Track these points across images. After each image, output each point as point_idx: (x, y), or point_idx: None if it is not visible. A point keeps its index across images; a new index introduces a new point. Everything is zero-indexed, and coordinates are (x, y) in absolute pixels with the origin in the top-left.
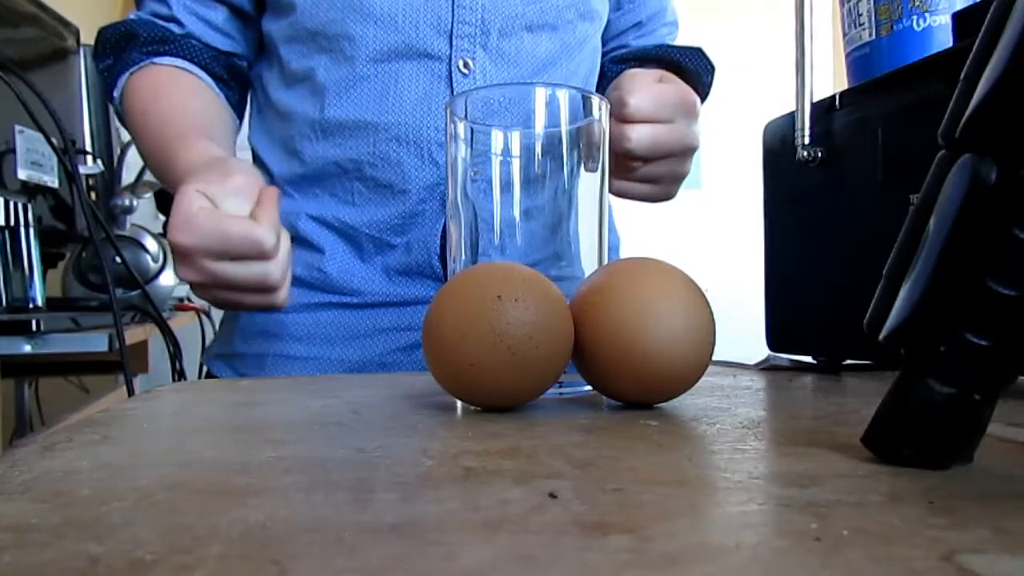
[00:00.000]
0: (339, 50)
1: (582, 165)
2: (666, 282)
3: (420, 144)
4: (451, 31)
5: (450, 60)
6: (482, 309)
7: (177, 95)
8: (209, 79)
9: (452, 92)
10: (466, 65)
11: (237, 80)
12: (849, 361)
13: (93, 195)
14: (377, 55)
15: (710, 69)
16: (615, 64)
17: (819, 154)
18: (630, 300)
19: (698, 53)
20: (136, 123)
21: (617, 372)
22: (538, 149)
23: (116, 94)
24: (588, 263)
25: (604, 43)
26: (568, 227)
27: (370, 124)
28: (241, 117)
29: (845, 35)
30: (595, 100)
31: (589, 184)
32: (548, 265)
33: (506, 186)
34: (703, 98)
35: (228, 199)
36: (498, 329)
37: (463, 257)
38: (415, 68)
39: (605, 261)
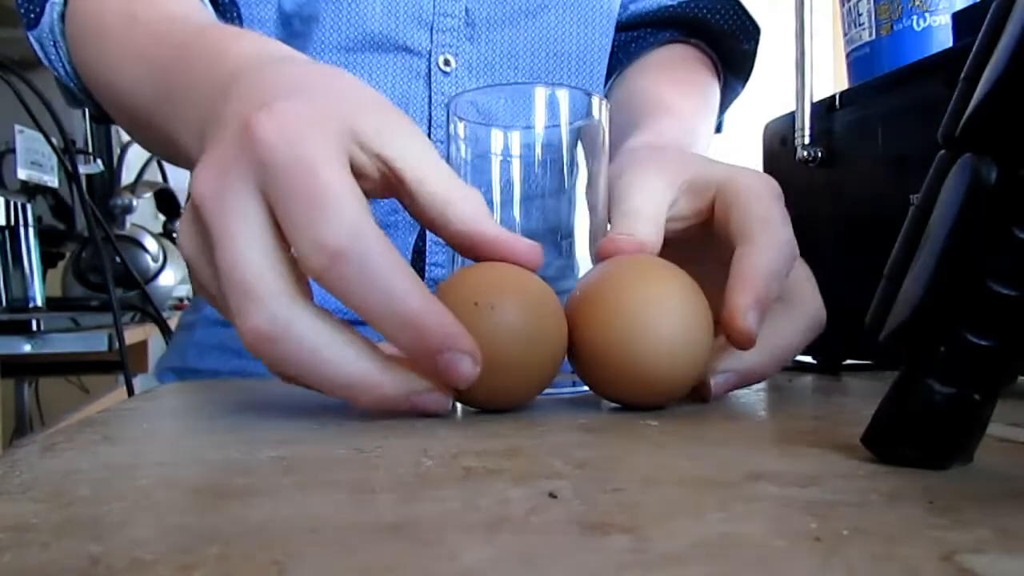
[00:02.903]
0: (307, 35)
1: (583, 176)
2: (666, 282)
3: None
4: (432, 23)
5: (430, 56)
6: (472, 315)
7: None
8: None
9: (430, 92)
10: (447, 63)
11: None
12: (849, 361)
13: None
14: (347, 44)
15: (753, 31)
16: (619, 32)
17: (819, 154)
18: (628, 300)
19: (735, 7)
20: (111, 39)
21: (616, 373)
22: (538, 149)
23: (54, 15)
24: (588, 263)
25: None
26: (568, 227)
27: None
28: None
29: (845, 35)
30: (595, 100)
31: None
32: (547, 265)
33: (506, 186)
34: (748, 73)
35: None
36: (493, 332)
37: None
38: (390, 62)
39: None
